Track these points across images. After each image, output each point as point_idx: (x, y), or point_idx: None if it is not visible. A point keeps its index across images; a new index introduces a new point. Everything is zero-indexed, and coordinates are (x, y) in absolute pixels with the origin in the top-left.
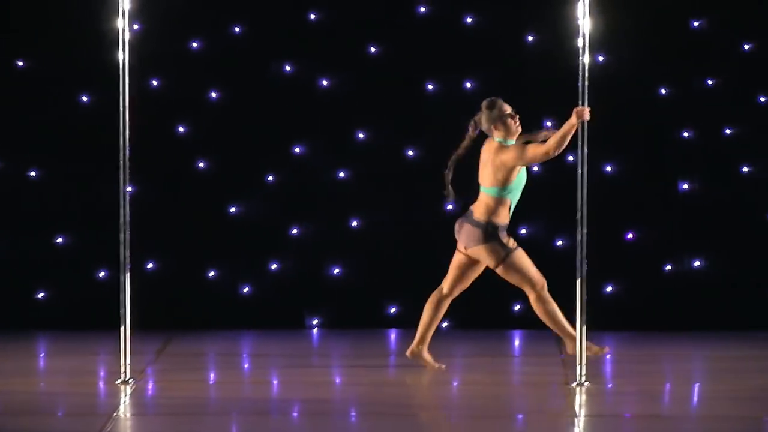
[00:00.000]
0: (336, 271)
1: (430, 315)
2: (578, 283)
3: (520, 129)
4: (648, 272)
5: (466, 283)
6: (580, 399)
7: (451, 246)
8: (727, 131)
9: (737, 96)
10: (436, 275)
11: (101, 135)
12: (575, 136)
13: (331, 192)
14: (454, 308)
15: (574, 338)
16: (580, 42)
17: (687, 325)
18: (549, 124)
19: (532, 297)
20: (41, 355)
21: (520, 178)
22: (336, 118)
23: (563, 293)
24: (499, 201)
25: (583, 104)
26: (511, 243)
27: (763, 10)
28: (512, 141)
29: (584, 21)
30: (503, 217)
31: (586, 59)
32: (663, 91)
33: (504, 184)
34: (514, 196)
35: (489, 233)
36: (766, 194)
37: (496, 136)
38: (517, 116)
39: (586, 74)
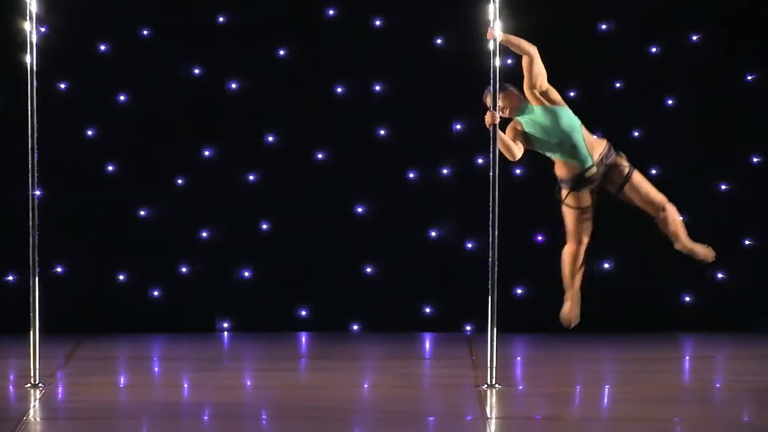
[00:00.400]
0: (246, 273)
1: (571, 271)
2: (489, 285)
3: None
4: (558, 274)
5: (587, 229)
6: (490, 401)
7: (363, 249)
8: (636, 134)
9: (645, 99)
10: (348, 277)
11: (9, 138)
12: (486, 138)
13: (240, 195)
14: (363, 310)
15: (571, 300)
16: (491, 45)
17: (597, 327)
18: (458, 126)
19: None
20: None
21: (536, 139)
22: (245, 121)
23: (475, 295)
24: (554, 163)
25: (494, 108)
26: (567, 198)
27: (670, 13)
28: (517, 116)
29: (495, 24)
30: (561, 172)
31: (497, 62)
32: (572, 94)
33: (536, 150)
34: (555, 153)
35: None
36: (674, 196)
37: None
38: (497, 107)
39: (498, 77)
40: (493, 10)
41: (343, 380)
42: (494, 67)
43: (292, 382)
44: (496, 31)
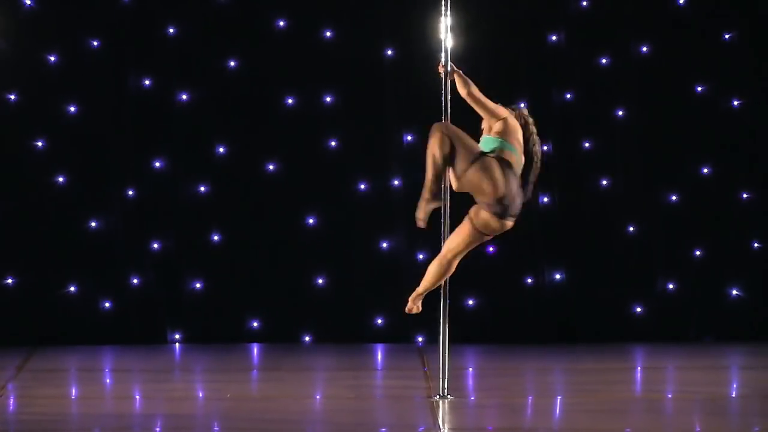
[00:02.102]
0: (197, 285)
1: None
2: (441, 296)
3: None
4: (509, 285)
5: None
6: (442, 412)
7: (314, 260)
8: (586, 145)
9: (595, 110)
10: (299, 288)
11: None
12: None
13: (191, 206)
14: (315, 321)
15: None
16: (442, 58)
17: (548, 338)
18: (409, 138)
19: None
20: None
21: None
22: (195, 132)
23: (426, 307)
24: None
25: (445, 118)
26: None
27: (617, 24)
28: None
29: (446, 36)
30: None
31: (448, 72)
32: (522, 105)
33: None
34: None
35: None
36: (624, 208)
37: None
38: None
39: (449, 88)
40: (444, 24)
41: (295, 392)
42: (446, 78)
43: (243, 394)
44: (448, 47)
